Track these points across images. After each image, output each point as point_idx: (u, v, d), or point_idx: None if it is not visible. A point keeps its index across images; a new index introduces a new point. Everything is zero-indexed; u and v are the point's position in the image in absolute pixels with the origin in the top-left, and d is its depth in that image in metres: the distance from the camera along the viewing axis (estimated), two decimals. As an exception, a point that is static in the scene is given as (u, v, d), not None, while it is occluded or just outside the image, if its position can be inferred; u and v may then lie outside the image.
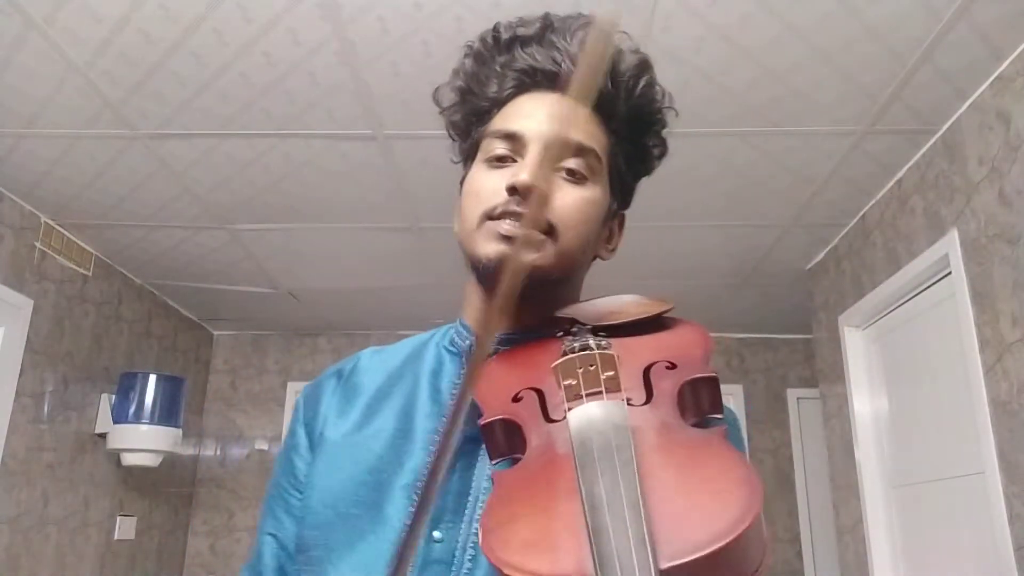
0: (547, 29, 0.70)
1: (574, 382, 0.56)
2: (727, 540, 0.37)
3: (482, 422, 0.56)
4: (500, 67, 0.71)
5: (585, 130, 0.69)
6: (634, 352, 0.60)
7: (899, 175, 2.67)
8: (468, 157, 0.76)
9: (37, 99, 2.22)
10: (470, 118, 0.74)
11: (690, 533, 0.38)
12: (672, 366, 0.57)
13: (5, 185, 2.78)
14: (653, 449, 0.46)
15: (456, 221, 0.72)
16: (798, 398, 4.63)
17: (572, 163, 0.67)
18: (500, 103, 0.71)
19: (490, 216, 0.66)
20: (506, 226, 0.64)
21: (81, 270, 3.32)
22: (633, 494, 0.40)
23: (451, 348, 0.75)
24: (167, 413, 3.65)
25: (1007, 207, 2.08)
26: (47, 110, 2.27)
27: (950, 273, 2.38)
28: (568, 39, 0.69)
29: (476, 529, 0.59)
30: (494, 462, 0.56)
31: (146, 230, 3.19)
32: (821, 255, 3.39)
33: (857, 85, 2.13)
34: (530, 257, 0.64)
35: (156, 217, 3.04)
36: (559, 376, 0.57)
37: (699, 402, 0.55)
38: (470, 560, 0.59)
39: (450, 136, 0.78)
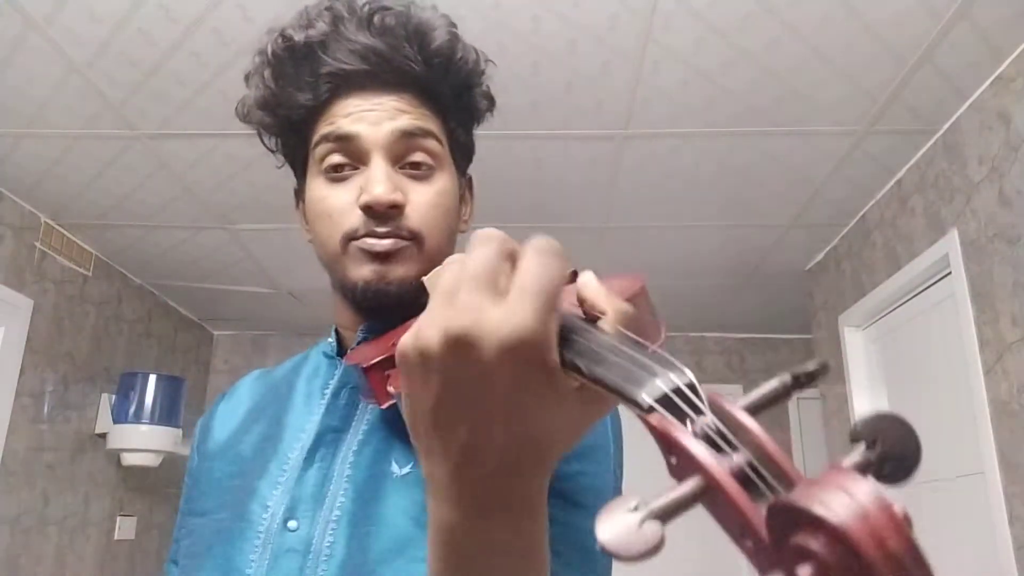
0: (338, 23, 0.66)
1: None
2: (641, 283, 0.46)
3: (366, 364, 0.56)
4: (308, 75, 0.67)
5: (416, 115, 0.67)
6: None
7: (899, 175, 2.67)
8: (298, 167, 0.74)
9: (37, 99, 2.22)
10: (286, 129, 0.71)
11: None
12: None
13: (5, 185, 2.78)
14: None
15: (315, 243, 0.70)
16: (798, 398, 4.62)
17: (415, 156, 0.66)
18: (317, 110, 0.68)
19: (352, 238, 0.65)
20: (371, 242, 0.64)
21: (81, 270, 3.32)
22: None
23: (328, 353, 0.76)
24: (167, 413, 3.65)
25: (1007, 207, 2.08)
26: (47, 110, 2.27)
27: (950, 273, 2.38)
28: (367, 31, 0.66)
29: (336, 516, 0.60)
30: (385, 404, 0.56)
31: (146, 230, 3.19)
32: (821, 255, 3.39)
33: (857, 85, 2.13)
34: (401, 271, 0.65)
35: (156, 217, 3.04)
36: None
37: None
38: (328, 546, 0.59)
39: (266, 147, 0.75)
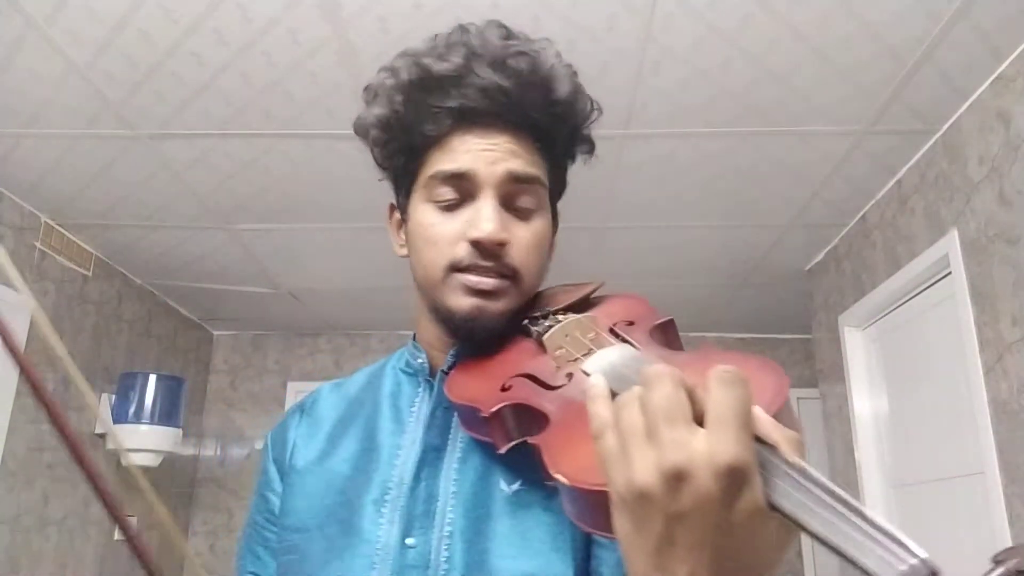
0: (472, 60, 0.68)
1: (563, 350, 0.62)
2: (785, 394, 0.44)
3: (487, 413, 0.59)
4: (434, 106, 0.69)
5: (529, 160, 0.70)
6: (594, 320, 0.66)
7: (899, 175, 2.67)
8: (404, 186, 0.76)
9: (37, 99, 2.22)
10: (400, 150, 0.73)
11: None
12: (630, 323, 0.64)
13: (5, 185, 2.78)
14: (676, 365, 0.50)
15: (414, 264, 0.73)
16: (798, 398, 4.62)
17: (521, 201, 0.69)
18: (436, 139, 0.70)
19: (456, 268, 0.68)
20: (474, 279, 0.67)
21: (81, 270, 3.32)
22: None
23: (407, 370, 0.78)
24: (167, 413, 3.65)
25: (1007, 207, 2.08)
26: (47, 110, 2.27)
27: (950, 273, 2.38)
28: (499, 72, 0.68)
29: (448, 532, 0.63)
30: (503, 449, 0.59)
31: (146, 230, 3.19)
32: (821, 255, 3.39)
33: (857, 85, 2.13)
34: (499, 306, 0.68)
35: (156, 217, 3.04)
36: (548, 347, 0.62)
37: (669, 340, 0.64)
38: (446, 561, 0.61)
39: (376, 162, 0.77)
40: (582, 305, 0.71)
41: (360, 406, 0.77)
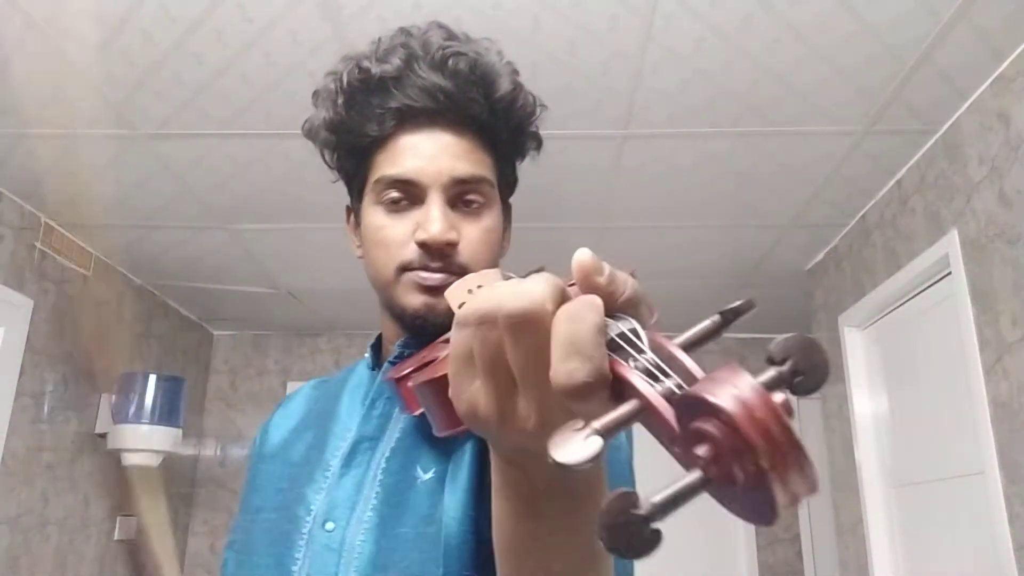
0: (412, 61, 0.70)
1: None
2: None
3: (398, 376, 0.61)
4: (378, 107, 0.71)
5: (472, 160, 0.71)
6: None
7: (899, 175, 2.67)
8: (354, 188, 0.78)
9: (37, 99, 2.21)
10: (347, 152, 0.76)
11: None
12: None
13: (5, 185, 2.78)
14: None
15: (367, 264, 0.75)
16: (798, 398, 4.62)
17: (469, 198, 0.71)
18: (381, 141, 0.72)
19: (406, 268, 0.70)
20: (424, 274, 0.69)
21: (81, 270, 3.32)
22: None
23: (369, 364, 0.81)
24: (167, 413, 3.65)
25: (1007, 207, 2.08)
26: (47, 110, 2.27)
27: (950, 273, 2.38)
28: (439, 72, 0.70)
29: (367, 518, 0.66)
30: (417, 412, 0.60)
31: (146, 230, 3.19)
32: (821, 255, 3.39)
33: (857, 85, 2.13)
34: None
35: (156, 217, 3.04)
36: None
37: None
38: (360, 545, 0.65)
39: (326, 163, 0.79)
40: None
41: (329, 400, 0.81)
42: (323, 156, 0.78)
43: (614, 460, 0.66)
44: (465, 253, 0.70)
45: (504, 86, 0.72)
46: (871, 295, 2.90)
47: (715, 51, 2.00)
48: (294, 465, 0.75)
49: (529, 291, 0.35)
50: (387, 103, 0.70)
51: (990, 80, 2.11)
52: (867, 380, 3.06)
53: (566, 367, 0.33)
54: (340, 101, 0.73)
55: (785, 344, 0.32)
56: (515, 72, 0.74)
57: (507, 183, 0.79)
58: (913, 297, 2.72)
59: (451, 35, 0.72)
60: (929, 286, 2.61)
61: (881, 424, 2.97)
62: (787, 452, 0.28)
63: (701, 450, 0.28)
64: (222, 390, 4.74)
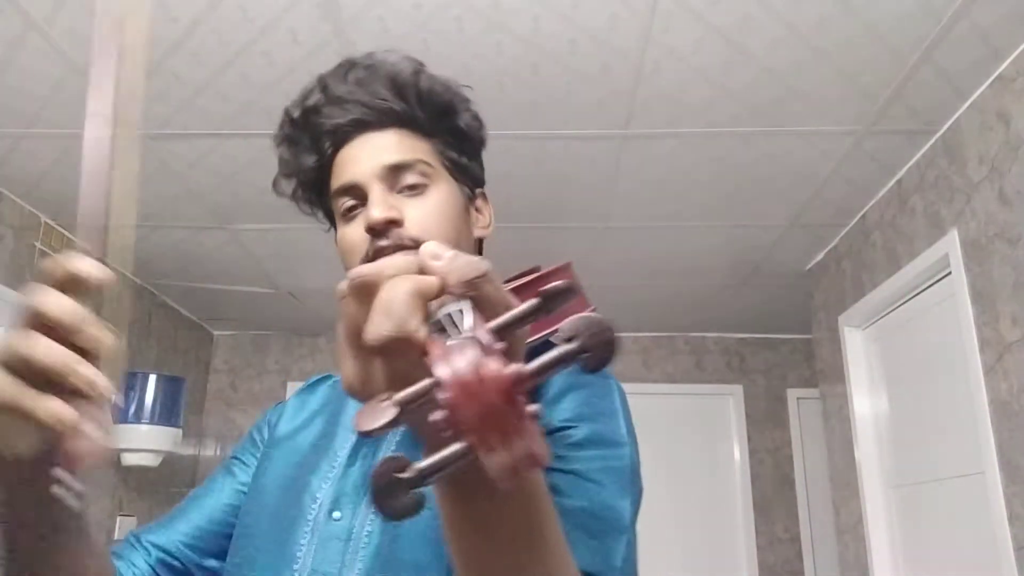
0: (324, 90, 0.77)
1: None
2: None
3: None
4: (310, 139, 0.78)
5: (401, 148, 0.76)
6: None
7: (899, 175, 2.67)
8: (331, 220, 0.84)
9: (37, 99, 2.22)
10: (312, 193, 0.83)
11: None
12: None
13: (5, 185, 2.78)
14: None
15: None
16: (798, 398, 4.63)
17: (409, 179, 0.75)
18: (326, 166, 0.79)
19: (365, 261, 0.73)
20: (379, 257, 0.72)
21: (81, 270, 3.32)
22: None
23: None
24: (167, 413, 3.65)
25: (1007, 207, 2.08)
26: (47, 110, 2.27)
27: (950, 273, 2.38)
28: (344, 86, 0.77)
29: (374, 510, 0.67)
30: None
31: (146, 230, 3.19)
32: (821, 255, 3.39)
33: (857, 85, 2.13)
34: None
35: (156, 217, 3.04)
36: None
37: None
38: (367, 535, 0.67)
39: (305, 213, 0.86)
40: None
41: (342, 393, 0.82)
42: (300, 208, 0.85)
43: (615, 460, 0.67)
44: (414, 228, 0.73)
45: (405, 74, 0.77)
46: (871, 295, 2.90)
47: (715, 51, 2.00)
48: (302, 453, 0.78)
49: (377, 264, 0.41)
50: (318, 132, 0.78)
51: (990, 80, 2.11)
52: (867, 380, 3.06)
53: (374, 324, 0.37)
54: (283, 148, 0.81)
55: (575, 323, 0.33)
56: (419, 64, 0.79)
57: (459, 166, 0.81)
58: (913, 297, 2.72)
59: (353, 61, 0.79)
60: (929, 286, 2.61)
61: (881, 424, 2.97)
62: (498, 419, 0.30)
63: (436, 415, 0.31)
64: (222, 390, 4.74)
